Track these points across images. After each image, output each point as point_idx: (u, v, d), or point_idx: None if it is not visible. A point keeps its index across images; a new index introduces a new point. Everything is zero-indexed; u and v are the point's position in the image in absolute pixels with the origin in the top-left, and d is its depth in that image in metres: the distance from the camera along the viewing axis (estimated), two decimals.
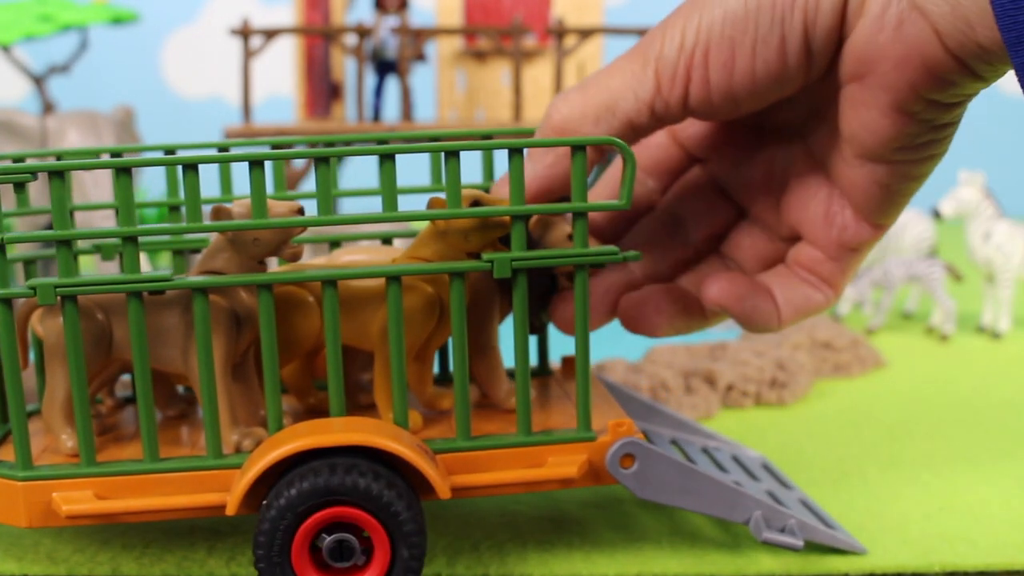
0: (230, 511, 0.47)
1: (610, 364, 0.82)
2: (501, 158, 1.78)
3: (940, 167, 0.50)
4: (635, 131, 0.47)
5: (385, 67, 1.20)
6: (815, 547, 0.54)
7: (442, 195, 0.60)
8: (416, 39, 1.16)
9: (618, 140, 0.47)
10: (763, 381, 0.82)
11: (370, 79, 1.19)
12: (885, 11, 0.40)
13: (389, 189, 0.48)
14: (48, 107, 1.25)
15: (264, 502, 0.47)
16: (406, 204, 0.51)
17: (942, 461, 0.68)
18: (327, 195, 0.48)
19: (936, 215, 1.11)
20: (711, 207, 0.54)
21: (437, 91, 1.26)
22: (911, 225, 1.21)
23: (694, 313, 0.53)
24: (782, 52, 0.42)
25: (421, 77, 1.28)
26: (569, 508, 0.60)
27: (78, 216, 1.16)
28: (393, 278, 0.48)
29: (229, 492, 0.48)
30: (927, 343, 1.06)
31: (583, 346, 0.50)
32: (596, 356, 0.83)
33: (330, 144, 0.60)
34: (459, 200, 0.48)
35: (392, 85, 2.05)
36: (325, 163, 0.47)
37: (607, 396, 0.58)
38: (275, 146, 0.58)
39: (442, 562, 0.53)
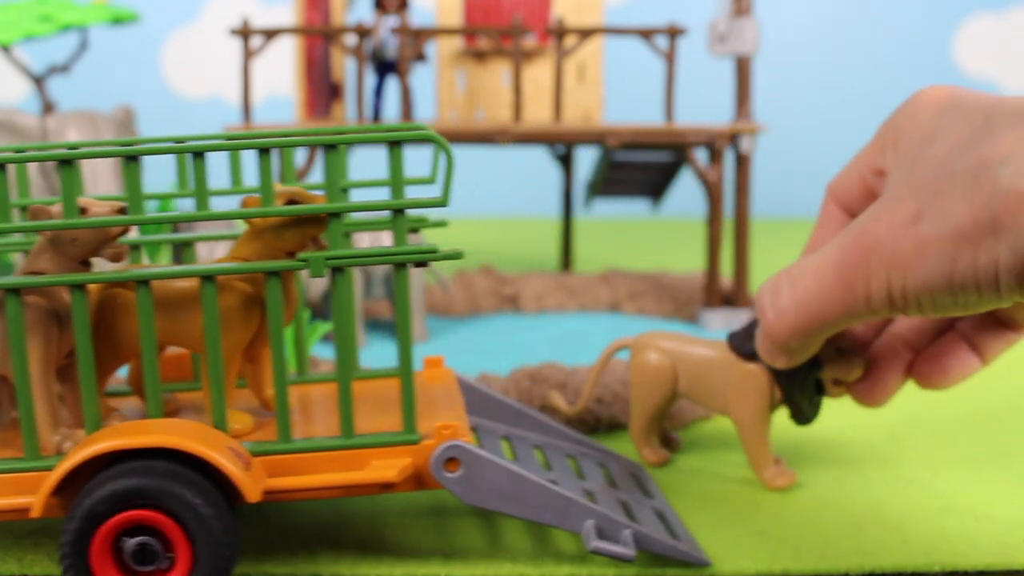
0: (35, 513, 0.47)
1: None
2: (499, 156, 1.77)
3: None
4: None
5: (385, 67, 1.20)
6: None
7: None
8: (416, 39, 1.15)
9: (436, 135, 0.48)
10: None
11: (370, 79, 1.18)
12: None
13: (201, 189, 0.49)
14: (48, 107, 1.24)
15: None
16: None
17: (942, 461, 0.68)
18: (137, 195, 0.49)
19: None
20: None
21: (437, 91, 1.26)
22: None
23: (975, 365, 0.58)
24: (983, 303, 0.44)
25: (421, 77, 1.28)
26: None
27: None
28: (207, 278, 0.48)
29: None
30: None
31: (406, 347, 0.50)
32: (593, 357, 0.83)
33: (183, 142, 0.60)
34: (273, 198, 0.48)
35: (392, 85, 2.04)
36: (134, 161, 0.48)
37: (456, 400, 0.58)
38: (123, 143, 0.58)
39: (439, 561, 0.53)
